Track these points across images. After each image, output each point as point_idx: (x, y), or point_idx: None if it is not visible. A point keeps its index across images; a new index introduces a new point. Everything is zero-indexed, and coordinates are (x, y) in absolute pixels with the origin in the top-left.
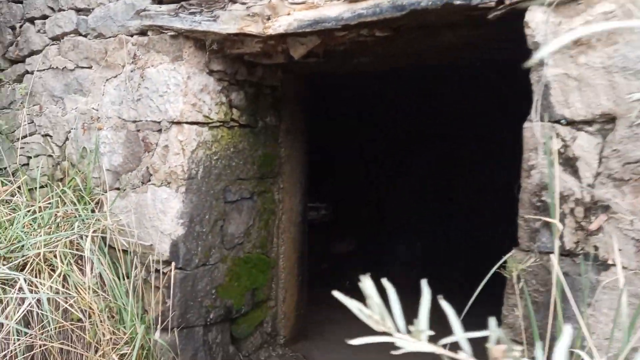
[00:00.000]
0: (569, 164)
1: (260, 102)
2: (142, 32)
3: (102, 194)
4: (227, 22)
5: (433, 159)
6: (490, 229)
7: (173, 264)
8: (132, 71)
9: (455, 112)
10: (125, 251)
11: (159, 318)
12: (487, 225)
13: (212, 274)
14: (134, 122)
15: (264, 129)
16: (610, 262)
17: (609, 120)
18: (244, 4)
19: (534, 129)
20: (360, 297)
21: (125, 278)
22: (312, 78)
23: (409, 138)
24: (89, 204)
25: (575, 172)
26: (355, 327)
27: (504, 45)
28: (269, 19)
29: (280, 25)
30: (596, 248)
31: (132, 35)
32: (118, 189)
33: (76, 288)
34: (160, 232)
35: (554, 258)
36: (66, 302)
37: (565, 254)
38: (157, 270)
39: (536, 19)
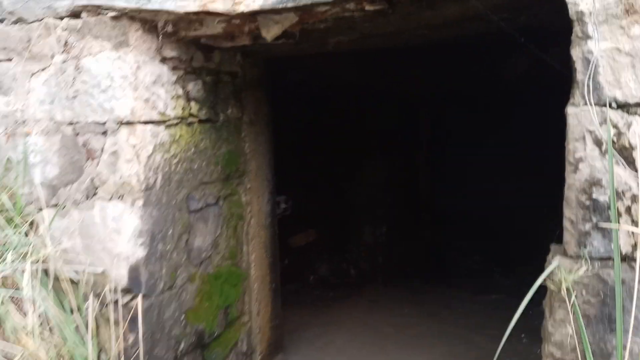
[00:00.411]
0: (623, 154)
1: (219, 92)
2: (75, 14)
3: (37, 213)
4: None
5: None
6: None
7: (135, 292)
8: (64, 62)
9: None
10: (74, 282)
11: (121, 358)
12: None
13: (180, 298)
14: (71, 124)
15: (226, 122)
16: None
17: None
18: None
19: (580, 114)
20: (327, 288)
21: (76, 314)
22: (275, 61)
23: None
24: (21, 226)
25: (631, 164)
26: (333, 331)
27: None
28: None
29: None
30: None
31: (61, 19)
32: (56, 205)
33: (16, 334)
34: (115, 255)
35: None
36: (4, 356)
37: (621, 259)
38: (115, 302)
39: None
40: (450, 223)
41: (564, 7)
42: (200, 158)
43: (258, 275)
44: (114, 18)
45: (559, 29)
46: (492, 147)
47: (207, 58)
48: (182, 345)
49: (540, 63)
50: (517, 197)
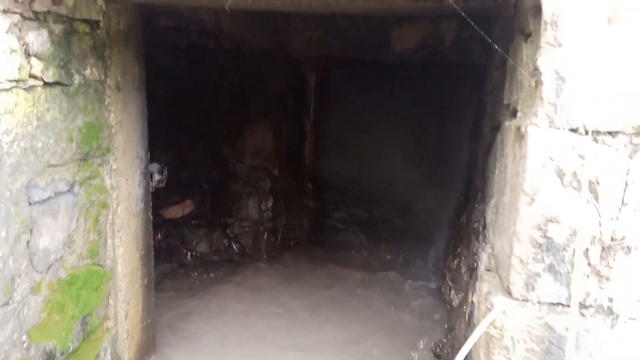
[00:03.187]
0: (586, 188)
1: (74, 47)
2: None
3: None
4: None
5: (284, 108)
6: None
7: None
8: None
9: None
10: None
11: None
12: None
13: (19, 315)
14: None
15: (83, 87)
16: (628, 317)
17: None
18: None
19: (543, 138)
20: (207, 268)
21: None
22: (147, 7)
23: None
24: None
25: (593, 200)
26: (214, 319)
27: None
28: None
29: None
30: (611, 300)
31: None
32: None
33: None
34: None
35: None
36: None
37: (570, 305)
38: None
39: None
40: (334, 192)
41: (535, 3)
42: (47, 134)
43: (127, 272)
44: None
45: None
46: (379, 118)
47: (55, 0)
48: None
49: (434, 38)
50: (401, 169)
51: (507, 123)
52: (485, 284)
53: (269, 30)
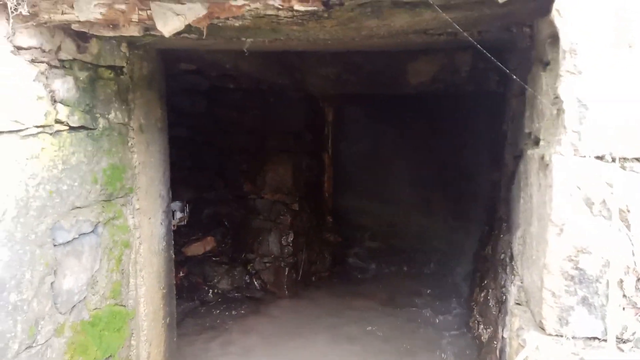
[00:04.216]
0: (617, 217)
1: (98, 92)
2: None
3: None
4: None
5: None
6: None
7: None
8: None
9: None
10: None
11: None
12: None
13: (42, 358)
14: None
15: (108, 130)
16: None
17: None
18: None
19: (569, 167)
20: (229, 305)
21: None
22: (169, 51)
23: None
24: None
25: (625, 229)
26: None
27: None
28: None
29: None
30: None
31: None
32: None
33: None
34: None
35: (608, 345)
36: None
37: (606, 339)
38: None
39: (577, 3)
40: (354, 225)
41: (552, 33)
42: (72, 176)
43: (149, 312)
44: None
45: (499, 45)
46: (397, 150)
47: (80, 48)
48: None
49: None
50: (422, 201)
51: (530, 152)
52: (516, 319)
53: (286, 68)
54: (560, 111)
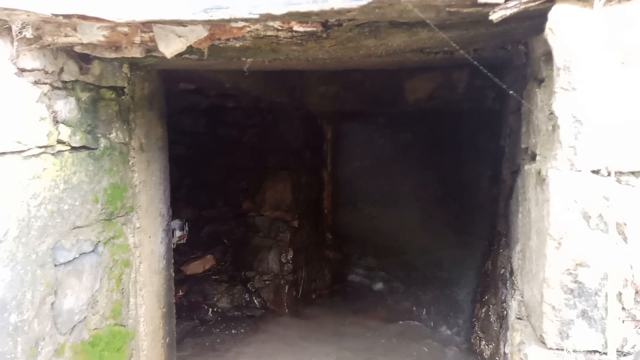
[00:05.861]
0: (614, 230)
1: (100, 113)
2: None
3: None
4: None
5: (303, 161)
6: None
7: None
8: None
9: None
10: None
11: None
12: None
13: None
14: None
15: (109, 149)
16: None
17: None
18: None
19: (566, 182)
20: (228, 324)
21: None
22: (169, 72)
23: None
24: None
25: (622, 242)
26: None
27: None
28: None
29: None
30: None
31: None
32: None
33: None
34: None
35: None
36: None
37: (607, 352)
38: None
39: (569, 22)
40: (354, 242)
41: (546, 50)
42: (73, 196)
43: (148, 332)
44: None
45: (495, 62)
46: (396, 167)
47: (83, 70)
48: None
49: (447, 87)
50: (421, 217)
51: (527, 167)
52: (517, 334)
53: (285, 86)
54: (555, 127)
